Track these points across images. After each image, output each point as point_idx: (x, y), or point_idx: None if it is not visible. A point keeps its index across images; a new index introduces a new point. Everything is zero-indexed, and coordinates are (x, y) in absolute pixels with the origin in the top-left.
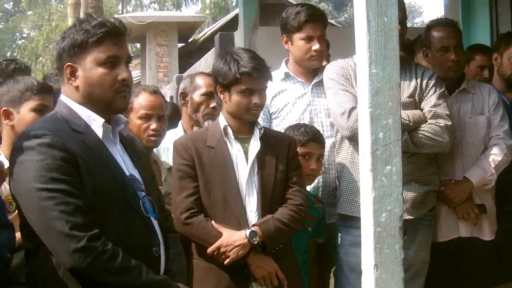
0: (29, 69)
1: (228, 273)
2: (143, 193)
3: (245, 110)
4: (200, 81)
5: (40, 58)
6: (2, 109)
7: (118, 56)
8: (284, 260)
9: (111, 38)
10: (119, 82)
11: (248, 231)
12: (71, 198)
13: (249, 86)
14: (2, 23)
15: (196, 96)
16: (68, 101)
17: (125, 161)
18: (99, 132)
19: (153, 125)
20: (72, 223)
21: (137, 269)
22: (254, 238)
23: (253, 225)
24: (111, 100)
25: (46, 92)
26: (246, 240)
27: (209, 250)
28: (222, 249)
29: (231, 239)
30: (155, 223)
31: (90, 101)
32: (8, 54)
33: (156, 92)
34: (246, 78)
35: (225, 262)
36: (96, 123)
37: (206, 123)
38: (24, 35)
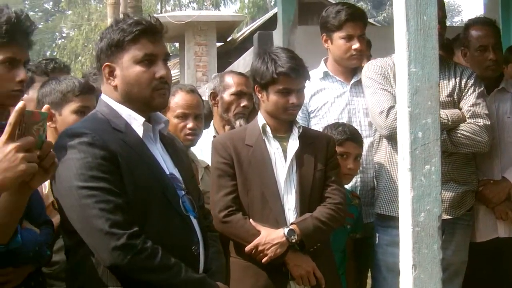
0: (68, 69)
1: (266, 271)
2: (183, 192)
3: (283, 109)
4: (229, 80)
5: (80, 58)
6: None
7: (155, 53)
8: (322, 259)
9: (147, 36)
10: (157, 80)
11: (286, 230)
12: (111, 196)
13: (287, 86)
14: (42, 23)
15: (226, 96)
16: (109, 100)
17: (165, 160)
18: (139, 131)
19: (190, 124)
20: (112, 221)
21: (176, 267)
22: (292, 237)
23: (291, 224)
24: (149, 98)
25: (88, 92)
26: (284, 238)
27: (247, 248)
28: (260, 248)
29: (269, 237)
30: (195, 222)
31: (129, 99)
32: (48, 53)
33: (192, 91)
34: (284, 78)
35: (263, 260)
36: (136, 122)
37: (237, 123)
38: (64, 35)
